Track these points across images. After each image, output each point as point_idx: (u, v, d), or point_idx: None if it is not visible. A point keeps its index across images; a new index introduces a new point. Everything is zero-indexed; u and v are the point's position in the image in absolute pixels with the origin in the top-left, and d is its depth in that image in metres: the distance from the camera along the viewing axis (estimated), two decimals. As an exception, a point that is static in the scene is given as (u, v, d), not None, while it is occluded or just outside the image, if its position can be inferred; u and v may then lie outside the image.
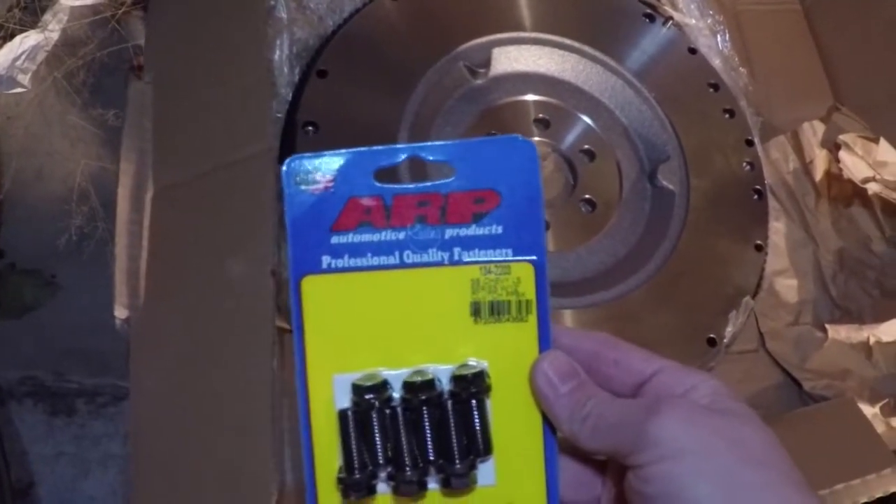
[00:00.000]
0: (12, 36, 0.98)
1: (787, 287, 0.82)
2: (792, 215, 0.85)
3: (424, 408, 0.44)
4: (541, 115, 0.80)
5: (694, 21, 0.85)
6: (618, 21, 0.84)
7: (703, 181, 0.80)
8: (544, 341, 0.44)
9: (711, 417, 0.40)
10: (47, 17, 1.01)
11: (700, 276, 0.77)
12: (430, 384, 0.44)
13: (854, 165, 0.78)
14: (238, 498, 0.67)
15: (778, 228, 0.83)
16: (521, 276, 0.44)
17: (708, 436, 0.39)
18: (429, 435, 0.44)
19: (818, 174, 0.83)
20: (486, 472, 0.45)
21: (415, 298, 0.44)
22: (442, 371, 0.45)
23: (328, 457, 0.44)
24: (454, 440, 0.44)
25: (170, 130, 0.76)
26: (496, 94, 0.79)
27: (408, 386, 0.44)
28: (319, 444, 0.45)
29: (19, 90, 1.01)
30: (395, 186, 0.43)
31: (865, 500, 0.69)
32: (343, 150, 0.43)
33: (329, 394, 0.44)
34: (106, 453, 0.98)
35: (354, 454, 0.44)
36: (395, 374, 0.45)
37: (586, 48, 0.81)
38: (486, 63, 0.78)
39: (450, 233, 0.44)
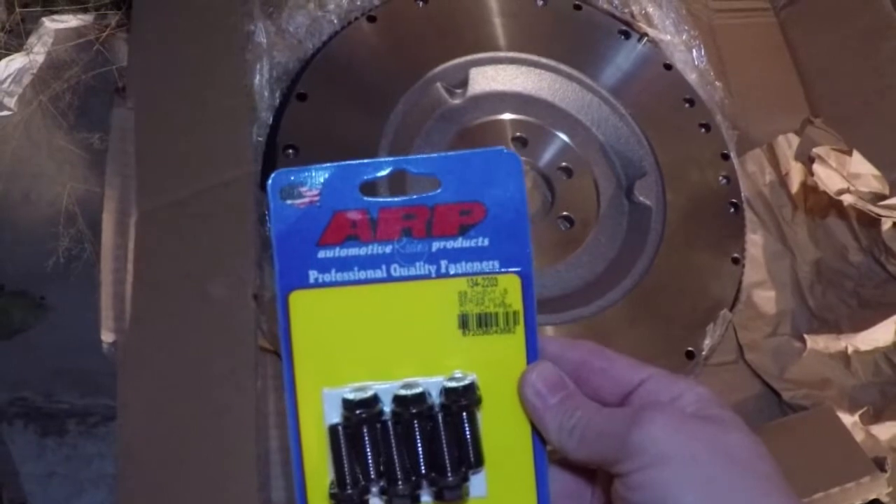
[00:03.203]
0: (-2, 60, 0.99)
1: (766, 299, 0.83)
2: (769, 227, 0.85)
3: (415, 421, 0.44)
4: (518, 134, 0.80)
5: (669, 37, 0.86)
6: (593, 38, 0.85)
7: (680, 196, 0.80)
8: (532, 352, 0.44)
9: (697, 424, 0.40)
10: (32, 39, 1.03)
11: (678, 290, 0.77)
12: (420, 397, 0.44)
13: (828, 178, 0.79)
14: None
15: (755, 241, 0.84)
16: (508, 287, 0.44)
17: (693, 443, 0.39)
18: (420, 448, 0.44)
19: (794, 186, 0.83)
20: (477, 483, 0.45)
21: (403, 312, 0.45)
22: (431, 384, 0.45)
23: (319, 472, 0.45)
24: (446, 453, 0.44)
25: (152, 155, 0.77)
26: (474, 113, 0.80)
27: (398, 399, 0.44)
28: (310, 460, 0.45)
29: (6, 113, 1.02)
30: (381, 200, 0.44)
31: (845, 508, 0.69)
32: (328, 164, 0.43)
33: (318, 409, 0.44)
34: (98, 473, 0.98)
35: (346, 469, 0.44)
36: (385, 388, 0.45)
37: (562, 66, 0.82)
38: (464, 83, 0.79)
39: (436, 246, 0.44)
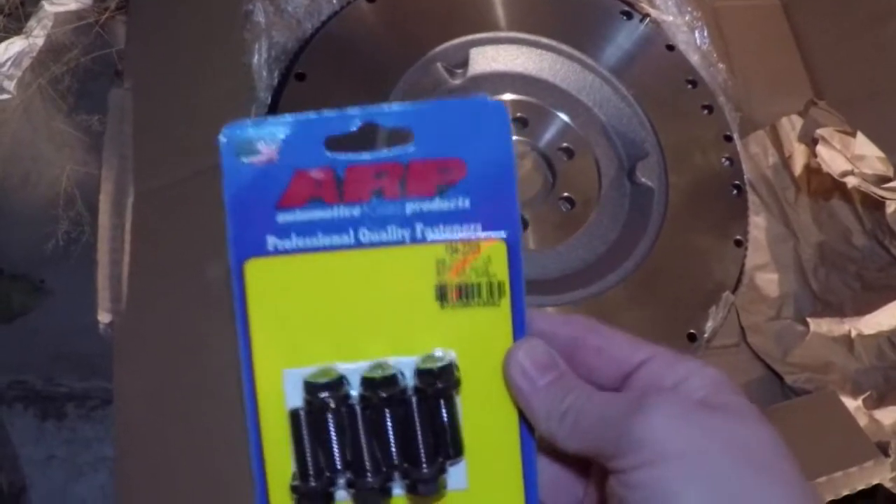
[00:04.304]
0: (-3, 43, 0.99)
1: (768, 281, 0.82)
2: (772, 210, 0.85)
3: (386, 406, 0.40)
4: (519, 114, 0.80)
5: (671, 18, 0.85)
6: (595, 18, 0.84)
7: (682, 177, 0.80)
8: (519, 328, 0.40)
9: (705, 414, 0.36)
10: (32, 23, 1.02)
11: (680, 272, 0.77)
12: (391, 380, 0.40)
13: (832, 159, 0.78)
14: (222, 499, 0.67)
15: (758, 223, 0.83)
16: (492, 254, 0.40)
17: (700, 436, 0.35)
18: (392, 436, 0.40)
19: (797, 168, 0.83)
20: (456, 475, 0.41)
21: (373, 282, 0.40)
22: (405, 363, 0.40)
23: (280, 462, 0.40)
24: (420, 441, 0.40)
25: (150, 136, 0.76)
26: (474, 93, 0.79)
27: (367, 382, 0.40)
28: (270, 448, 0.40)
29: (5, 96, 1.01)
30: (349, 156, 0.39)
31: (848, 492, 0.69)
32: (289, 116, 0.39)
33: (279, 391, 0.40)
34: (97, 456, 0.98)
35: (309, 459, 0.39)
36: (353, 368, 0.40)
37: (563, 46, 0.81)
38: (464, 63, 0.78)
39: (411, 208, 0.39)
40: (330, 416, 0.40)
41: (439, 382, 0.40)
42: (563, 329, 0.41)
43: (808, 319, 0.79)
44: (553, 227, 0.77)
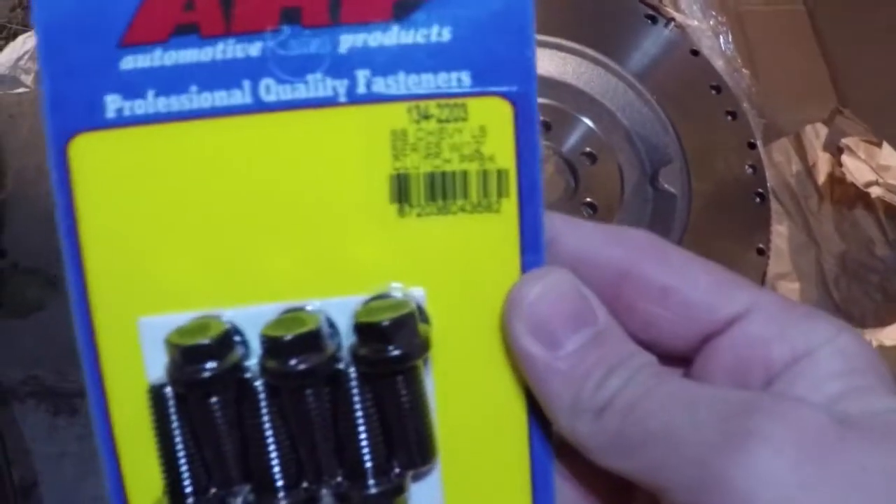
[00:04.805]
0: (15, 36, 0.99)
1: (790, 291, 0.82)
2: (794, 218, 0.84)
3: (304, 385, 0.24)
4: (542, 118, 0.79)
5: (696, 23, 0.84)
6: (619, 23, 0.84)
7: (705, 184, 0.79)
8: (531, 249, 0.25)
9: (850, 447, 0.21)
10: (50, 16, 1.02)
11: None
12: (311, 339, 0.24)
13: (857, 169, 0.78)
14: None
15: (780, 231, 0.83)
16: (489, 122, 0.25)
17: (842, 493, 0.21)
18: (317, 433, 0.25)
19: (821, 177, 0.82)
20: (426, 491, 0.26)
21: (283, 170, 0.25)
22: (336, 308, 0.25)
23: (143, 465, 0.26)
24: (364, 441, 0.25)
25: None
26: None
27: (271, 343, 0.24)
28: (126, 444, 0.26)
29: (22, 90, 1.01)
30: None
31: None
32: None
33: (135, 353, 0.26)
34: (108, 453, 0.98)
35: (183, 466, 0.25)
36: (249, 316, 0.25)
37: (587, 50, 0.81)
38: (488, 65, 0.78)
39: (348, 41, 0.24)
40: (215, 400, 0.25)
41: (395, 346, 0.24)
42: (606, 251, 0.26)
43: (829, 330, 0.79)
44: (574, 233, 0.77)
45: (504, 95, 0.25)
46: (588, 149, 0.80)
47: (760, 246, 0.79)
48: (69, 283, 0.26)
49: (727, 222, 0.79)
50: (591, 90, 0.81)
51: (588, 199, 0.78)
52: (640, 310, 0.26)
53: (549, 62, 0.81)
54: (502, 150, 0.25)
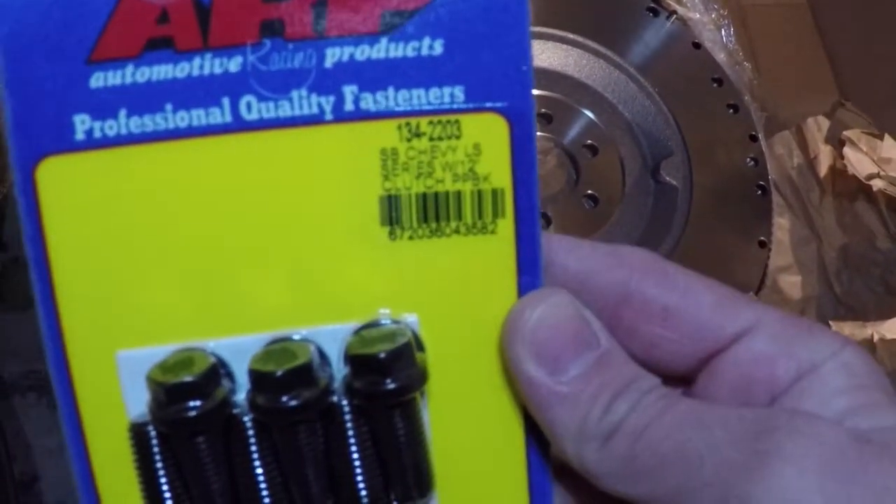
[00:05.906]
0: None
1: (791, 284, 0.82)
2: (796, 211, 0.84)
3: (299, 423, 0.23)
4: (543, 110, 0.79)
5: (698, 15, 0.84)
6: (621, 15, 0.84)
7: (707, 177, 0.79)
8: (529, 271, 0.25)
9: (871, 465, 0.21)
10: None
11: (703, 273, 0.76)
12: (304, 373, 0.23)
13: (858, 162, 0.78)
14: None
15: (782, 224, 0.83)
16: (484, 139, 0.23)
17: None
18: (310, 469, 0.24)
19: (823, 170, 0.82)
20: None
21: (267, 192, 0.24)
22: (325, 335, 0.24)
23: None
24: (360, 475, 0.24)
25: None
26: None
27: (259, 378, 0.23)
28: (107, 485, 0.25)
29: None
30: None
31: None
32: None
33: (113, 389, 0.24)
34: (109, 447, 0.98)
35: None
36: (233, 347, 0.24)
37: (589, 42, 0.81)
38: (489, 58, 0.78)
39: (334, 55, 0.23)
40: (201, 439, 0.23)
41: (390, 379, 0.23)
42: (606, 272, 0.25)
43: (831, 323, 0.79)
44: (576, 226, 0.77)
45: (499, 111, 0.23)
46: (589, 141, 0.79)
47: (762, 239, 0.79)
48: (39, 315, 0.25)
49: (729, 215, 0.79)
50: (592, 82, 0.81)
51: (589, 192, 0.78)
52: (641, 331, 0.25)
53: (551, 54, 0.80)
54: (498, 169, 0.24)
